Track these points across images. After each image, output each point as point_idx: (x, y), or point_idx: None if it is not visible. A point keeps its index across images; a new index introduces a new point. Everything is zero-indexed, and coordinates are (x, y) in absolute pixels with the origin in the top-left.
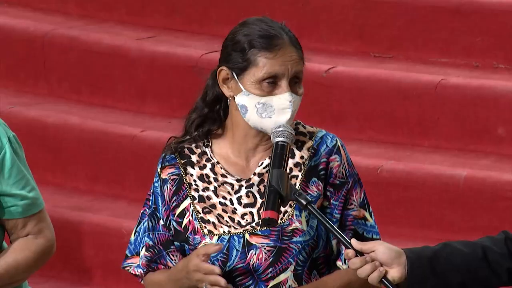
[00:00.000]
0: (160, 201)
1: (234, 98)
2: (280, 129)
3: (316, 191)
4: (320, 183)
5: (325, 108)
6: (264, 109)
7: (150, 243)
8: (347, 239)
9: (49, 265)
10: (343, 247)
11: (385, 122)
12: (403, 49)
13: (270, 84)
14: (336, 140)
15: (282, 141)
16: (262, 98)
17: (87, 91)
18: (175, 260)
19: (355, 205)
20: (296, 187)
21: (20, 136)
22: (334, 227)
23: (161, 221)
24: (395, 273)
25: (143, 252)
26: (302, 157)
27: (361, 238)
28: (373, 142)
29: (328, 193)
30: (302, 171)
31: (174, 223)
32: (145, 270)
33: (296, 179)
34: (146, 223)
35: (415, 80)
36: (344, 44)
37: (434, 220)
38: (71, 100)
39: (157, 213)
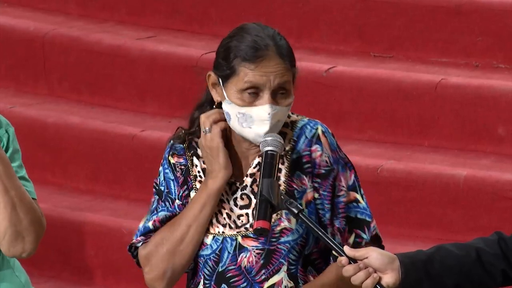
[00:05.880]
0: (172, 185)
1: (221, 103)
2: (269, 138)
3: (301, 186)
4: (305, 177)
5: (325, 108)
6: (245, 119)
7: (168, 214)
8: (340, 246)
9: (49, 265)
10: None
11: (385, 122)
12: (403, 49)
13: (252, 94)
14: (316, 128)
15: (271, 151)
16: (243, 108)
17: (87, 91)
18: None
19: (344, 190)
20: (282, 180)
21: (20, 136)
22: (326, 234)
23: (177, 201)
24: (389, 278)
25: (157, 217)
26: (284, 149)
27: (355, 220)
28: (373, 142)
29: (316, 184)
30: (285, 164)
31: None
32: (152, 228)
33: (280, 172)
34: (158, 205)
35: (415, 80)
36: (344, 44)
37: (434, 220)
38: (71, 100)
39: (171, 196)
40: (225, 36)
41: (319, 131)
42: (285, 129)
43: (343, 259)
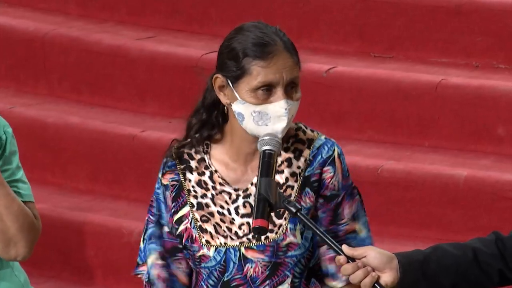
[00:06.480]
0: (163, 208)
1: (231, 105)
2: (267, 137)
3: (309, 203)
4: (313, 195)
5: (325, 108)
6: (260, 117)
7: (160, 249)
8: (338, 245)
9: (49, 265)
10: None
11: (385, 122)
12: (403, 49)
13: (265, 91)
14: (333, 150)
15: (269, 150)
16: (258, 107)
17: (87, 91)
18: (181, 268)
19: (347, 219)
20: (292, 197)
21: (20, 136)
22: (325, 233)
23: (166, 227)
24: (387, 277)
25: (154, 260)
26: (298, 167)
27: None
28: (373, 142)
29: (318, 204)
30: (298, 182)
31: (173, 229)
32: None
33: (292, 189)
34: (152, 229)
35: (415, 80)
36: (344, 44)
37: (434, 220)
38: (71, 100)
39: (161, 220)
40: (225, 37)
41: (336, 154)
42: (301, 146)
43: (341, 258)
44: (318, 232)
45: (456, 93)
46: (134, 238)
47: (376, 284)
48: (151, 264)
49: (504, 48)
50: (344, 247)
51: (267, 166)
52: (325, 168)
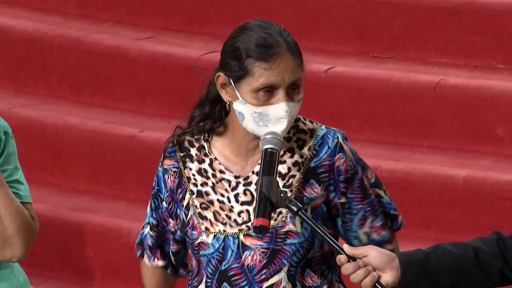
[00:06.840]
0: (162, 185)
1: (232, 103)
2: (269, 136)
3: (313, 193)
4: (318, 186)
5: (324, 108)
6: (261, 118)
7: (154, 222)
8: (339, 245)
9: (49, 266)
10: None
11: (384, 122)
12: (403, 49)
13: (267, 93)
14: (337, 137)
15: (271, 148)
16: (259, 108)
17: (87, 91)
18: (173, 246)
19: (371, 186)
20: (293, 186)
21: (20, 136)
22: (326, 232)
23: (164, 202)
24: (388, 277)
25: (147, 230)
26: (302, 156)
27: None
28: (372, 142)
29: (343, 189)
30: (301, 171)
31: (183, 215)
32: (149, 251)
33: (294, 178)
34: (150, 201)
35: (414, 81)
36: (344, 44)
37: (433, 220)
38: (71, 101)
39: (160, 195)
40: (226, 36)
41: (340, 140)
42: (304, 136)
43: (342, 257)
44: (319, 231)
45: (455, 93)
46: (133, 239)
47: (377, 284)
48: (145, 234)
49: (503, 48)
50: (345, 246)
51: (269, 164)
52: (336, 157)
